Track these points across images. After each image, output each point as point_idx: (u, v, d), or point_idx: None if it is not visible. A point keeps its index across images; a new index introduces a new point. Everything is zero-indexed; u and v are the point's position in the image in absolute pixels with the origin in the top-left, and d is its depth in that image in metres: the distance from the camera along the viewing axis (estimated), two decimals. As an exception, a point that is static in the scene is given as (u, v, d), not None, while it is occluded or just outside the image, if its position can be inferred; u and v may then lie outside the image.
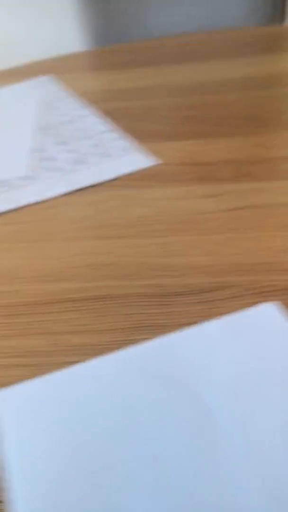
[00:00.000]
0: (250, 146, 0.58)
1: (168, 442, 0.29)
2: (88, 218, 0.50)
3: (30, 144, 0.65)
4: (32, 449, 0.30)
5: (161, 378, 0.33)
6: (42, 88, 0.83)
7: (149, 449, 0.29)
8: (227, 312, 0.37)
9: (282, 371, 0.32)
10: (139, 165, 0.57)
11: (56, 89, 0.82)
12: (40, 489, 0.28)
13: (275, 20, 1.09)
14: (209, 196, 0.51)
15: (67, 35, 1.53)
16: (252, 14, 1.08)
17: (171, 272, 0.42)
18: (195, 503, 0.27)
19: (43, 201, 0.54)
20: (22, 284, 0.42)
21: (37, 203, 0.53)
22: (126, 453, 0.29)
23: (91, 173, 0.57)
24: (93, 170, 0.58)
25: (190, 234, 0.46)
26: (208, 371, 0.33)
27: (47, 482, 0.29)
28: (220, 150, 0.58)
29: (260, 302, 0.38)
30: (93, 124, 0.69)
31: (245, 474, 0.28)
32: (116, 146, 0.62)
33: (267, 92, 0.71)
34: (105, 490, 0.28)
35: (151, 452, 0.29)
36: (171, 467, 0.28)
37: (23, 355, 0.36)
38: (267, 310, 0.37)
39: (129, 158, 0.59)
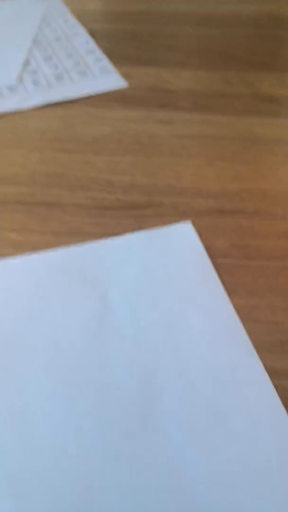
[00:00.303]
0: (216, 81, 0.62)
1: (71, 328, 0.35)
2: (55, 132, 0.56)
3: (23, 57, 0.69)
4: None
5: (78, 277, 0.39)
6: (47, 3, 0.85)
7: (54, 333, 0.35)
8: (152, 228, 0.44)
9: (179, 282, 0.39)
10: (110, 87, 0.62)
11: (59, 5, 0.84)
12: None
13: None
14: (165, 123, 0.56)
15: None
16: None
17: (112, 188, 0.48)
18: (84, 379, 0.32)
19: (20, 111, 0.59)
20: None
21: (14, 113, 0.59)
22: (34, 335, 0.35)
23: (67, 90, 0.62)
24: (69, 87, 0.63)
25: (138, 156, 0.52)
26: (120, 275, 0.39)
27: None
28: (187, 80, 0.63)
29: (183, 221, 0.45)
30: (81, 43, 0.72)
31: (127, 357, 0.34)
32: (95, 66, 0.67)
33: (260, 31, 0.73)
34: (8, 366, 0.33)
35: (55, 335, 0.35)
36: (71, 349, 0.34)
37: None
38: (184, 229, 0.44)
39: (104, 79, 0.64)
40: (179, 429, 0.29)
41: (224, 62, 0.66)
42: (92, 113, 0.58)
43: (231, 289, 0.39)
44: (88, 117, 0.57)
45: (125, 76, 0.64)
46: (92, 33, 0.74)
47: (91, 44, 0.72)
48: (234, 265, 0.41)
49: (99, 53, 0.69)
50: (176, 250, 0.41)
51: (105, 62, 0.67)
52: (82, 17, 0.79)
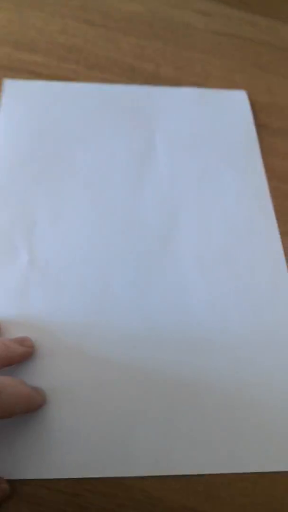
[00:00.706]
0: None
1: (117, 156, 0.39)
2: (81, -1, 0.50)
3: None
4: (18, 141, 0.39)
5: (130, 113, 0.42)
6: None
7: (100, 157, 0.39)
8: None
9: (221, 141, 0.41)
10: None
11: None
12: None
13: None
14: (204, 13, 0.51)
15: None
16: None
17: (132, 74, 0.45)
18: (120, 202, 0.37)
19: None
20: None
21: None
22: (82, 154, 0.39)
23: None
24: None
25: (168, 44, 0.47)
26: (169, 121, 0.42)
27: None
28: None
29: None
30: None
31: (160, 192, 0.38)
32: None
33: None
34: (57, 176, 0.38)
35: (100, 159, 0.39)
36: (113, 174, 0.38)
37: None
38: (238, 96, 0.44)
39: None
40: (191, 257, 0.35)
41: None
42: (126, -14, 0.52)
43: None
44: (120, -10, 0.52)
45: None
46: None
47: None
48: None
49: None
50: (226, 112, 0.43)
51: None
52: None
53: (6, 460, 0.27)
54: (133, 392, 0.30)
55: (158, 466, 0.28)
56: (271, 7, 0.53)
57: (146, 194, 0.38)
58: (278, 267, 0.35)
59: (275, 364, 0.32)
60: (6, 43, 0.45)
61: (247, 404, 0.30)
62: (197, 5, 0.51)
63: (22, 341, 0.30)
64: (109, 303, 0.33)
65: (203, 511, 0.27)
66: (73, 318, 0.32)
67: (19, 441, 0.28)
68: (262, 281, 0.35)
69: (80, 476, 0.28)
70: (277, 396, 0.31)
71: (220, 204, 0.38)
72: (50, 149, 0.39)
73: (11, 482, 0.27)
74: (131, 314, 0.32)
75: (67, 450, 0.28)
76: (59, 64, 0.44)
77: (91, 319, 0.32)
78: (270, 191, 0.39)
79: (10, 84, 0.42)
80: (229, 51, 0.48)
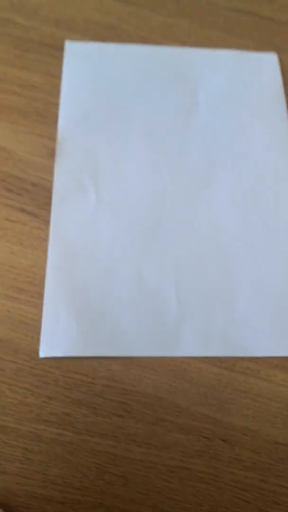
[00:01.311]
0: None
1: (165, 112, 0.46)
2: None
3: None
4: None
5: (174, 73, 0.48)
6: None
7: (152, 111, 0.46)
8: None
9: (254, 99, 0.48)
10: None
11: None
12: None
13: None
14: (226, -11, 0.55)
15: None
16: None
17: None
18: (170, 150, 0.45)
19: None
20: (40, 23, 0.50)
21: None
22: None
23: None
24: None
25: (194, 22, 0.52)
26: (209, 80, 0.49)
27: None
28: None
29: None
30: None
31: (202, 143, 0.46)
32: None
33: None
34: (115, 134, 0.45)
35: (153, 113, 0.46)
36: (164, 129, 0.46)
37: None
38: (270, 58, 0.51)
39: None
40: (226, 196, 0.43)
41: None
42: None
43: None
44: None
45: None
46: None
47: None
48: None
49: None
50: (259, 73, 0.50)
51: None
52: None
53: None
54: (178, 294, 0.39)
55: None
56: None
57: (191, 143, 0.45)
58: None
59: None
60: (48, 22, 0.50)
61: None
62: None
63: None
64: (160, 231, 0.41)
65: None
66: (134, 242, 0.40)
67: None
68: (281, 218, 0.43)
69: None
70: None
71: (251, 153, 0.45)
72: (108, 104, 0.46)
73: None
74: (178, 238, 0.41)
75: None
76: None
77: (147, 243, 0.40)
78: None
79: (71, 45, 0.48)
80: (247, 30, 0.53)
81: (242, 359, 0.38)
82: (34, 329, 0.37)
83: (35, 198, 0.42)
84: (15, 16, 0.50)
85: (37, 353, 0.36)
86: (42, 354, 0.36)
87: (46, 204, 0.42)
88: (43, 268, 0.39)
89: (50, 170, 0.43)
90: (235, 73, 0.49)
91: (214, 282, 0.40)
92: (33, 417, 0.35)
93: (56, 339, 0.36)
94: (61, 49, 0.49)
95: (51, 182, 0.42)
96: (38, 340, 0.37)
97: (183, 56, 0.49)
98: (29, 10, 0.50)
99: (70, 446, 0.34)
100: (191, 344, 0.37)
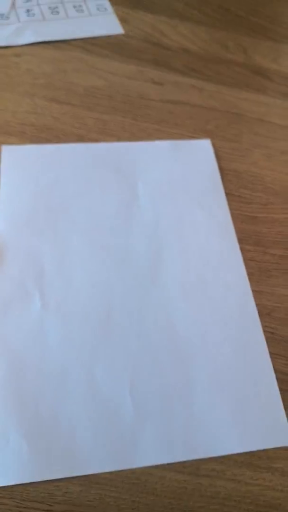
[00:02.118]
0: (213, 42, 0.63)
1: (107, 206, 0.47)
2: (46, 76, 0.56)
3: None
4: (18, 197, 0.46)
5: (114, 168, 0.49)
6: None
7: (93, 208, 0.47)
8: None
9: (192, 187, 0.49)
10: (105, 32, 0.62)
11: None
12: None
13: None
14: (157, 83, 0.58)
15: None
16: None
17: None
18: (113, 244, 0.45)
19: (11, 46, 0.59)
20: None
21: (4, 47, 0.59)
22: (77, 208, 0.47)
23: (61, 27, 0.62)
24: (63, 24, 0.62)
25: (127, 117, 0.54)
26: (148, 172, 0.50)
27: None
28: (183, 36, 0.63)
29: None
30: None
31: (146, 234, 0.46)
32: (92, 3, 0.65)
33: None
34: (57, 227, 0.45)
35: (94, 210, 0.47)
36: (105, 222, 0.46)
37: None
38: (204, 145, 0.53)
39: (100, 20, 0.63)
40: (175, 287, 0.43)
41: (223, 19, 0.66)
42: (85, 60, 0.59)
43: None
44: (80, 64, 0.58)
45: (122, 20, 0.63)
46: None
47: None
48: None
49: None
50: (195, 160, 0.51)
51: (105, 1, 0.66)
52: None
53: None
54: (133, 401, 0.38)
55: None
56: (217, 73, 0.60)
57: (135, 236, 0.45)
58: (244, 290, 0.44)
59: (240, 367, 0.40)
60: (-16, 128, 0.51)
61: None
62: (150, 75, 0.58)
63: None
64: (110, 329, 0.40)
65: None
66: (84, 345, 0.39)
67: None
68: (231, 302, 0.43)
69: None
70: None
71: (195, 241, 0.46)
72: (49, 204, 0.46)
73: None
74: (129, 336, 0.40)
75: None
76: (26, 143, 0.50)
77: (97, 345, 0.39)
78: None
79: (7, 149, 0.49)
80: (181, 119, 0.55)
81: (206, 461, 0.36)
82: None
83: (-22, 310, 0.40)
84: None
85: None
86: (-6, 483, 0.33)
87: (-10, 315, 0.40)
88: (-10, 385, 0.37)
89: (-8, 279, 0.42)
90: (172, 162, 0.51)
91: (170, 379, 0.39)
92: None
93: (7, 465, 0.34)
94: (-2, 153, 0.49)
95: (-6, 290, 0.41)
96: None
97: (120, 151, 0.51)
98: None
99: None
100: (151, 452, 0.36)
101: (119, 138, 0.52)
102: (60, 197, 0.47)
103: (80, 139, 0.51)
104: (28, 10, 0.63)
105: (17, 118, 0.52)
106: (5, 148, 0.49)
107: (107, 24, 0.63)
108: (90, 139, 0.51)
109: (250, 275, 0.45)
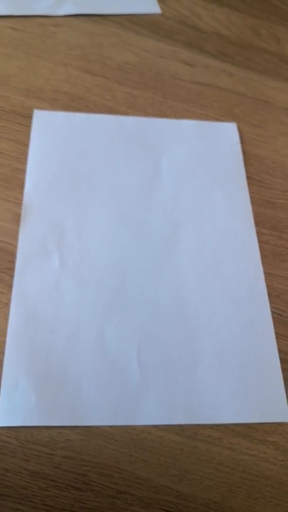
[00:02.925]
0: (246, 28, 0.63)
1: (130, 179, 0.48)
2: (82, 48, 0.57)
3: None
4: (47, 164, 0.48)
5: (140, 142, 0.50)
6: None
7: (116, 180, 0.48)
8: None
9: (214, 167, 0.50)
10: (143, 10, 0.63)
11: None
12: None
13: None
14: (188, 64, 0.58)
15: None
16: None
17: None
18: (133, 215, 0.46)
19: (50, 16, 0.60)
20: (11, 92, 0.52)
21: (44, 16, 0.60)
22: (102, 178, 0.48)
23: (101, 2, 0.62)
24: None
25: (157, 94, 0.55)
26: (172, 149, 0.51)
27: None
28: (220, 21, 0.64)
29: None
30: None
31: (164, 208, 0.47)
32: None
33: None
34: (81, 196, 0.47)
35: (117, 181, 0.48)
36: (127, 193, 0.47)
37: None
38: (230, 128, 0.53)
39: (139, -2, 0.64)
40: (189, 261, 0.44)
41: (259, 7, 0.67)
42: (121, 35, 0.59)
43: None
44: (116, 39, 0.59)
45: (160, 1, 0.64)
46: None
47: None
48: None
49: None
50: (219, 142, 0.52)
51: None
52: None
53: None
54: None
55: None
56: (247, 59, 0.60)
57: (154, 210, 0.46)
58: (256, 271, 0.45)
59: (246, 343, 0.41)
60: (18, 91, 0.52)
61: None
62: (182, 55, 0.59)
63: None
64: (123, 296, 0.41)
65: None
66: (96, 307, 0.41)
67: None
68: (242, 281, 0.44)
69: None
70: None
71: (213, 221, 0.47)
72: (74, 171, 0.47)
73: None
74: (140, 304, 0.41)
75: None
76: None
77: (109, 308, 0.41)
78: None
79: (39, 114, 0.50)
80: (209, 100, 0.56)
81: (204, 427, 0.37)
82: (-9, 398, 0.36)
83: (-2, 263, 0.42)
84: (-15, 86, 0.52)
85: (-6, 423, 0.35)
86: (0, 423, 0.35)
87: (9, 268, 0.42)
88: (3, 334, 0.39)
89: (14, 235, 0.43)
90: (196, 142, 0.51)
91: (176, 348, 0.40)
92: (-12, 493, 0.34)
93: (15, 408, 0.36)
94: (29, 117, 0.50)
95: (15, 246, 0.43)
96: (-5, 410, 0.36)
97: (147, 126, 0.52)
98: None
99: (26, 525, 0.33)
100: (152, 412, 0.37)
101: (146, 114, 0.53)
102: (86, 165, 0.48)
103: (110, 111, 0.52)
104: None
105: (51, 85, 0.53)
106: (37, 113, 0.50)
107: (146, 3, 0.63)
108: (118, 112, 0.52)
109: (263, 257, 0.46)
